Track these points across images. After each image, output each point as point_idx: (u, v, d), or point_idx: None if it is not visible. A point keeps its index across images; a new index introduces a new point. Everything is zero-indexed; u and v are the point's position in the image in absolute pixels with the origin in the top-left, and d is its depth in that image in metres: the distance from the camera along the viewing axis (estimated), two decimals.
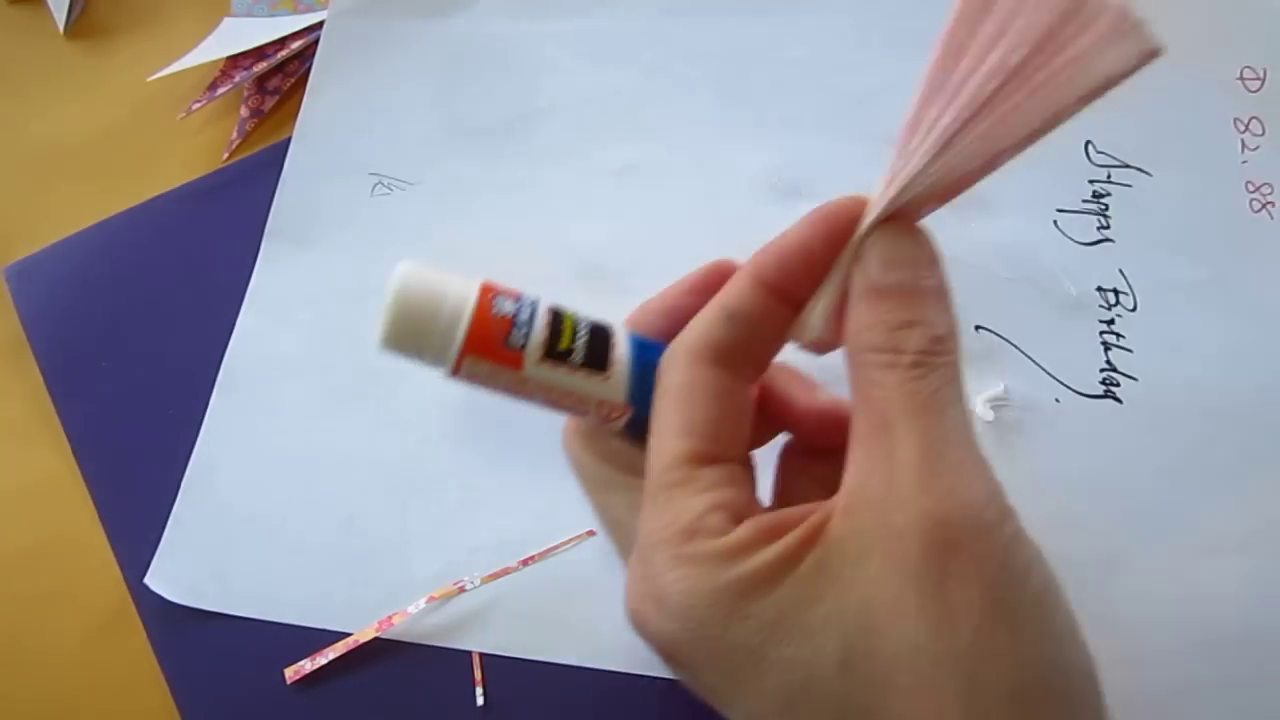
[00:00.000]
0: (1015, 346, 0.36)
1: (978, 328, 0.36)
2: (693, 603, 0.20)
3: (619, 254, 0.40)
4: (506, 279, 0.24)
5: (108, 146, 0.48)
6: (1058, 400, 0.35)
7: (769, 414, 0.26)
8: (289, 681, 0.34)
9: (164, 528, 0.37)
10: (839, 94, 0.42)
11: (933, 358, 0.21)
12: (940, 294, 0.22)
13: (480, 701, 0.33)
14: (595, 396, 0.23)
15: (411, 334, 0.22)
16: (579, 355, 0.23)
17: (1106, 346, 0.36)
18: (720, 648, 0.20)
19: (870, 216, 0.22)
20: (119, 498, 0.38)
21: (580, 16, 0.45)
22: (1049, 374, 0.35)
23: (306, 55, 0.47)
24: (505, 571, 0.34)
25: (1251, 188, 0.37)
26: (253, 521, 0.37)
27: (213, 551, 0.36)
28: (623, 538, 0.25)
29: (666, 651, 0.21)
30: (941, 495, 0.19)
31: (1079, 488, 0.33)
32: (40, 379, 0.41)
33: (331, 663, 0.34)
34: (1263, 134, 0.38)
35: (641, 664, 0.32)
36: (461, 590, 0.34)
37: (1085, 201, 0.38)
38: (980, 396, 0.35)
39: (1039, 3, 0.19)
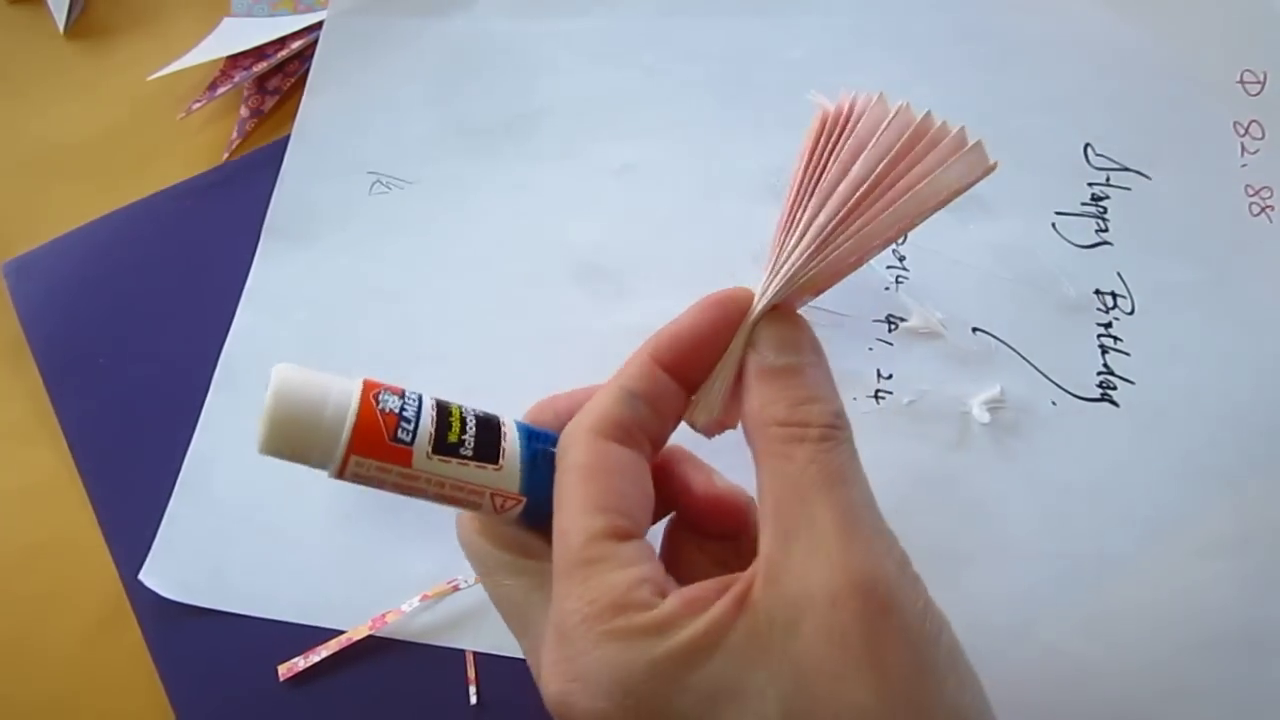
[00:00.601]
0: (1012, 349, 0.36)
1: (975, 330, 0.36)
2: (627, 677, 0.20)
3: (618, 254, 0.40)
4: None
5: (108, 146, 0.48)
6: (1054, 403, 0.35)
7: (664, 495, 0.26)
8: (282, 679, 0.34)
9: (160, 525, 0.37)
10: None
11: (836, 432, 0.22)
12: (829, 376, 0.23)
13: (473, 700, 0.33)
14: (488, 487, 0.23)
15: (295, 438, 0.22)
16: (469, 447, 0.23)
17: (1104, 350, 0.35)
18: None
19: (759, 305, 0.24)
20: (116, 495, 0.38)
21: (580, 16, 0.45)
22: (1046, 377, 0.35)
23: (306, 55, 0.47)
24: None
25: (1251, 191, 0.37)
26: (247, 518, 0.37)
27: (207, 548, 0.36)
28: (519, 620, 0.24)
29: None
30: (866, 560, 0.20)
31: (1075, 490, 0.33)
32: (39, 378, 0.41)
33: (325, 660, 0.34)
34: (1262, 137, 0.38)
35: None
36: (455, 588, 0.34)
37: (1084, 204, 0.38)
38: (976, 399, 0.35)
39: (891, 125, 0.22)
